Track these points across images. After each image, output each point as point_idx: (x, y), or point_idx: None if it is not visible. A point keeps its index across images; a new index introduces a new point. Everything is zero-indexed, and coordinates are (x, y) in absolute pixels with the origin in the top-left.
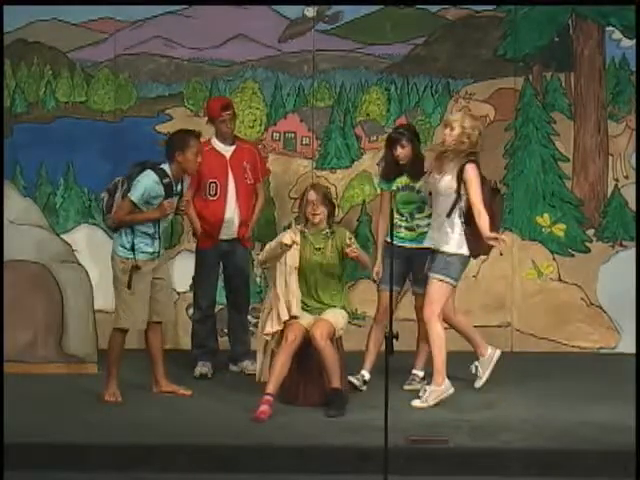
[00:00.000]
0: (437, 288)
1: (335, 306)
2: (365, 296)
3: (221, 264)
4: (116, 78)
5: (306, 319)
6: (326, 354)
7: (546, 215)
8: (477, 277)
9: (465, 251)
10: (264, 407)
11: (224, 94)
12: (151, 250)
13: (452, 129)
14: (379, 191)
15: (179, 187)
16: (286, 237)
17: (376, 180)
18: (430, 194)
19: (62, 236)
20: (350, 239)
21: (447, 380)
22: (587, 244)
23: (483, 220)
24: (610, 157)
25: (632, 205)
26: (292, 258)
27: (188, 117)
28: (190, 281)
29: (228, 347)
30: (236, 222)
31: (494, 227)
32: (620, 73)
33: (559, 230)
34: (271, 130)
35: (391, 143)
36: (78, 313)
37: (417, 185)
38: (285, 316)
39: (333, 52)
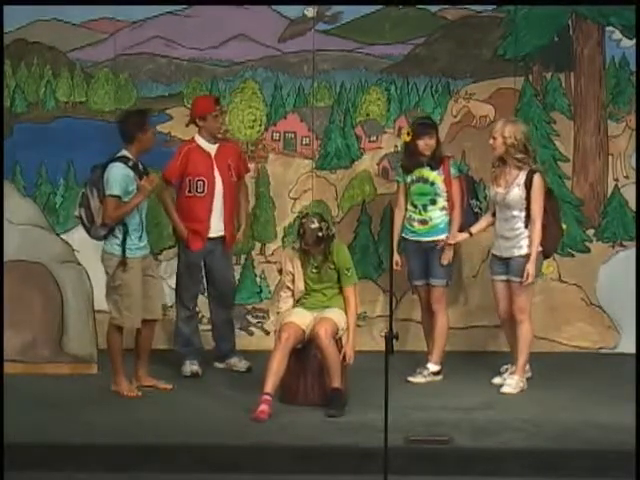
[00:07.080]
0: (524, 290)
1: (335, 306)
2: (365, 296)
3: (204, 261)
4: (116, 78)
5: (304, 318)
6: (329, 353)
7: None
8: (477, 277)
9: (540, 248)
10: (263, 407)
11: (224, 94)
12: (141, 244)
13: (494, 139)
14: (399, 184)
15: (140, 166)
16: (288, 267)
17: (376, 180)
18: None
19: (62, 236)
20: None
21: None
22: (587, 244)
23: (537, 235)
24: (610, 157)
25: (632, 205)
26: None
27: (188, 117)
28: None
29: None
30: (223, 219)
31: (558, 234)
32: (620, 73)
33: None
34: (271, 130)
35: (417, 134)
36: (78, 313)
37: (431, 177)
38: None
39: (333, 52)
